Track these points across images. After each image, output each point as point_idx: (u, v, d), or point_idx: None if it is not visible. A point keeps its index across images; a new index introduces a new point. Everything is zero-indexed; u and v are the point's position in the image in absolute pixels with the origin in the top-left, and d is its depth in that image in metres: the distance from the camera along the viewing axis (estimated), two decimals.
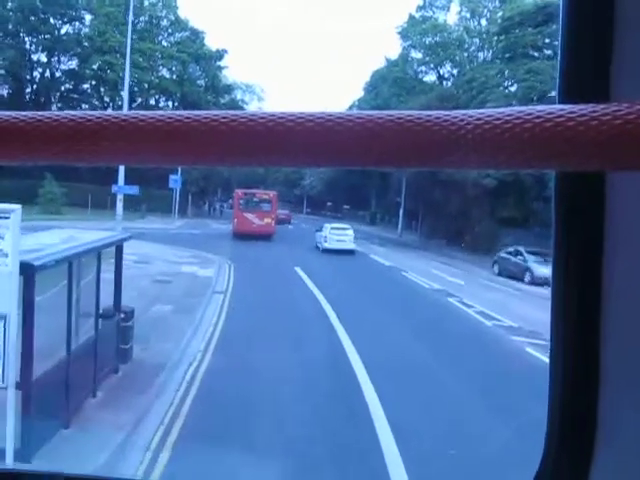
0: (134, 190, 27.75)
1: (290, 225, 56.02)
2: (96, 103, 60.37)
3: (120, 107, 63.49)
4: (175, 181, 47.40)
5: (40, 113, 0.68)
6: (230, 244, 35.92)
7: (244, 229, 38.64)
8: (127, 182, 31.22)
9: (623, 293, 1.18)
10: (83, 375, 10.29)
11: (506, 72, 39.02)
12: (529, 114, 0.63)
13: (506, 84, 39.95)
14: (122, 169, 26.05)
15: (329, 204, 70.91)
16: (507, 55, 39.30)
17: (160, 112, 0.68)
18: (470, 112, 0.65)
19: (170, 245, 32.13)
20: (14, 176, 44.11)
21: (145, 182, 49.15)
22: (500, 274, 29.89)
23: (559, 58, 1.15)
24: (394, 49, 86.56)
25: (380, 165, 0.68)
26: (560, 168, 0.91)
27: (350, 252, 35.11)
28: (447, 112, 0.66)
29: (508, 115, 0.64)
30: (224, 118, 0.67)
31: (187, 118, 0.67)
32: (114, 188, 26.84)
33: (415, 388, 12.16)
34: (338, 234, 35.85)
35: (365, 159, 0.67)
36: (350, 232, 36.60)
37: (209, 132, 0.66)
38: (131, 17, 31.04)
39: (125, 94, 30.56)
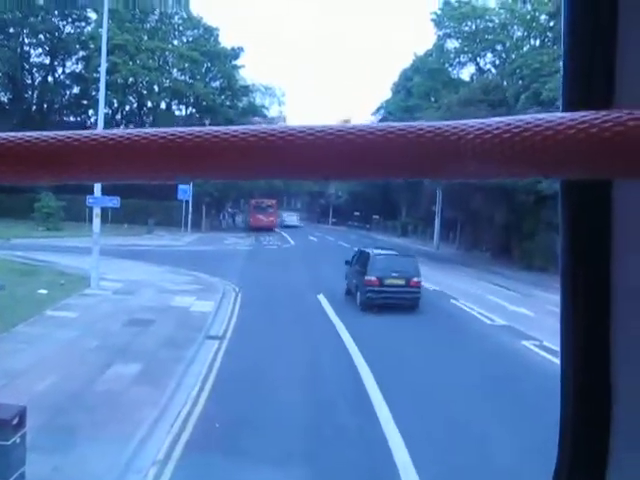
0: (114, 202, 22.56)
1: (314, 237, 51.03)
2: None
3: (130, 111, 59.82)
4: (184, 192, 42.49)
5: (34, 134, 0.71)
6: (242, 264, 30.52)
7: (256, 224, 51.58)
8: (121, 192, 26.22)
9: (631, 296, 1.19)
10: None
11: None
12: (529, 123, 0.64)
13: None
14: None
15: (356, 214, 66.14)
16: None
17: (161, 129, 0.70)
18: (470, 122, 0.67)
19: (171, 266, 27.15)
20: (10, 191, 40.21)
21: (154, 193, 44.64)
22: None
23: (562, 66, 1.17)
24: (422, 46, 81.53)
25: (381, 177, 0.72)
26: (563, 176, 0.91)
27: None
28: (447, 122, 0.68)
29: (508, 124, 0.65)
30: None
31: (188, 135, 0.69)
32: (89, 200, 21.67)
33: None
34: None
35: (366, 171, 0.70)
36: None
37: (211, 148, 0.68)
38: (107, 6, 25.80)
39: (100, 109, 25.46)
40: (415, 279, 20.78)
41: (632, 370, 1.22)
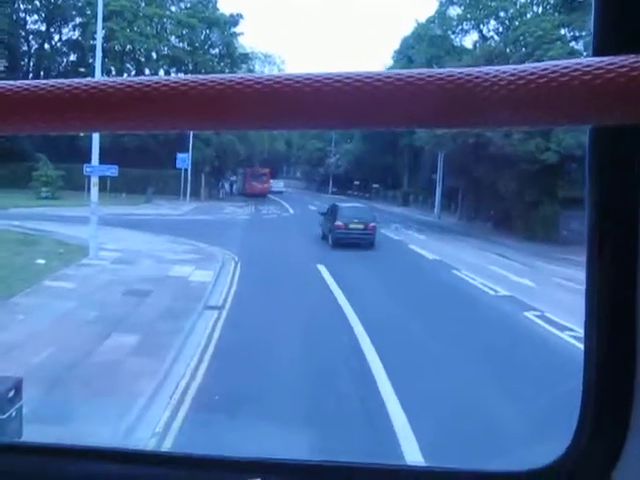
0: (112, 171, 22.27)
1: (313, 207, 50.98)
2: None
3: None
4: (183, 160, 42.17)
5: (33, 82, 0.68)
6: (241, 233, 30.29)
7: (251, 191, 53.44)
8: (119, 161, 25.91)
9: None
10: None
11: (569, 25, 33.10)
12: (566, 67, 0.62)
13: (569, 39, 34.02)
14: (96, 144, 20.50)
15: (356, 183, 65.85)
16: (569, 4, 33.33)
17: (169, 77, 0.67)
18: (503, 68, 0.65)
19: (170, 235, 26.91)
20: (8, 159, 39.94)
21: (153, 161, 44.34)
22: None
23: (593, 11, 1.12)
24: (425, 13, 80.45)
25: (410, 125, 0.68)
26: (597, 122, 0.88)
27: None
28: (479, 68, 0.65)
29: (543, 70, 0.63)
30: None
31: (197, 82, 0.66)
32: (86, 169, 21.35)
33: None
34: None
35: (395, 119, 0.67)
36: None
37: (222, 95, 0.65)
38: None
39: (97, 76, 24.98)
40: (371, 224, 27.19)
41: None
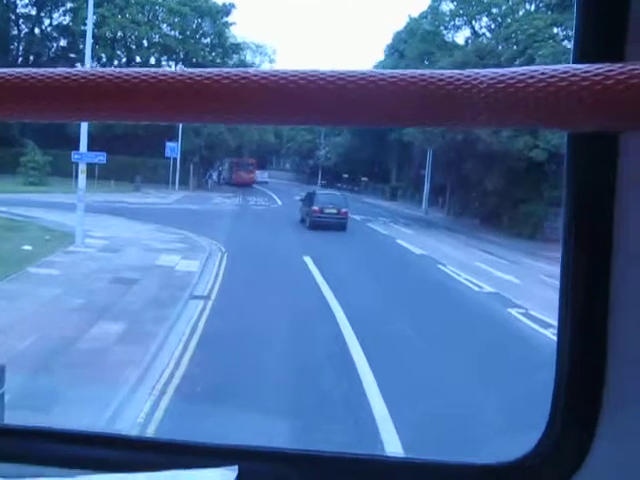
0: (101, 158, 22.17)
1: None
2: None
3: (119, 66, 58.56)
4: (172, 149, 42.00)
5: (40, 70, 0.68)
6: (229, 224, 30.24)
7: (238, 180, 54.33)
8: (108, 148, 25.79)
9: (635, 259, 1.17)
10: None
11: (562, 24, 33.03)
12: (543, 73, 0.64)
13: (562, 38, 33.94)
14: (85, 131, 20.38)
15: (345, 176, 65.78)
16: (562, 3, 33.28)
17: (169, 70, 0.68)
18: (483, 71, 0.67)
19: (158, 224, 26.78)
20: None
21: (142, 149, 44.13)
22: None
23: (574, 17, 1.14)
24: (418, 8, 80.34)
25: (391, 124, 0.71)
26: (574, 129, 0.90)
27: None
28: (460, 71, 0.67)
29: (522, 74, 0.65)
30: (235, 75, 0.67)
31: (197, 75, 0.68)
32: (74, 156, 21.24)
33: None
34: None
35: (376, 118, 0.69)
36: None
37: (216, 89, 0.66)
38: None
39: (87, 62, 24.82)
40: (343, 210, 30.28)
41: (629, 324, 1.22)
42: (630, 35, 1.10)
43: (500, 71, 0.65)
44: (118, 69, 0.68)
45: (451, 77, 0.66)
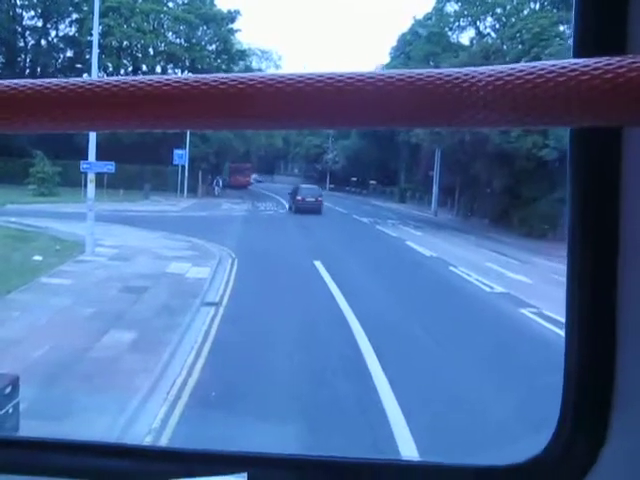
0: (109, 167, 22.26)
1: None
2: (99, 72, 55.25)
3: (125, 75, 58.66)
4: (180, 156, 42.11)
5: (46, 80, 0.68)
6: (239, 229, 30.27)
7: (235, 183, 56.87)
8: (116, 157, 25.86)
9: None
10: None
11: (568, 22, 32.98)
12: (542, 69, 0.64)
13: (568, 36, 33.77)
14: (93, 141, 20.50)
15: (353, 180, 65.74)
16: (568, 1, 33.26)
17: (172, 76, 0.70)
18: (481, 69, 0.66)
19: (167, 232, 26.82)
20: (4, 156, 39.84)
21: (150, 157, 44.25)
22: None
23: (574, 11, 1.13)
24: (422, 10, 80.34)
25: (391, 125, 0.70)
26: (575, 124, 0.90)
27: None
28: (458, 69, 0.67)
29: (520, 71, 0.64)
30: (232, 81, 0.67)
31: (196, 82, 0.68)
32: (83, 165, 21.36)
33: None
34: None
35: (376, 119, 0.69)
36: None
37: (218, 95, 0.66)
38: None
39: (94, 73, 24.91)
40: (319, 198, 40.12)
41: (637, 322, 1.21)
42: (630, 29, 1.10)
43: (498, 68, 0.65)
44: (130, 77, 0.68)
45: (449, 76, 0.65)
